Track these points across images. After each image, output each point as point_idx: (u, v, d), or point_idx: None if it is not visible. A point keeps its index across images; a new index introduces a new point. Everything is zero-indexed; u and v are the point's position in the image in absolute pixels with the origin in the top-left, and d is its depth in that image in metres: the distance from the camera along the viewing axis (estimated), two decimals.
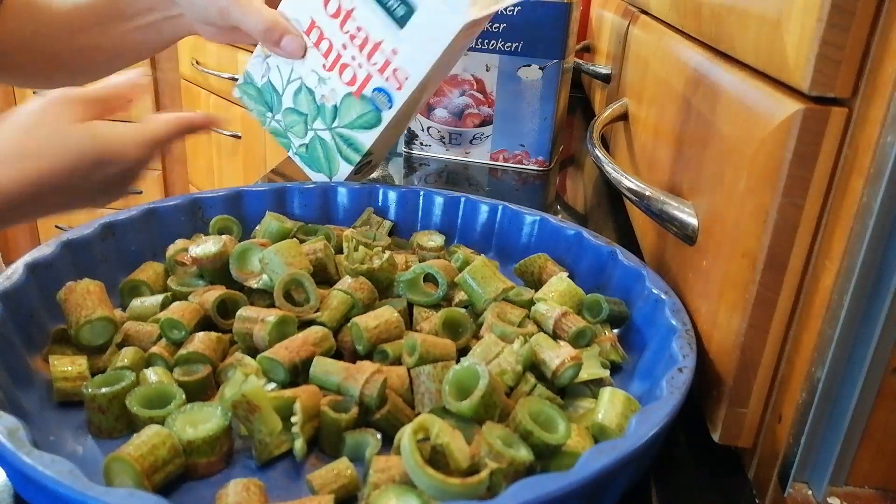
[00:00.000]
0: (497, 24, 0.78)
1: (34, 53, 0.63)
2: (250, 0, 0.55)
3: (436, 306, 0.45)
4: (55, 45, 0.63)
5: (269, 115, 0.60)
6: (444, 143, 0.84)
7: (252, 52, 0.59)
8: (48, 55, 0.64)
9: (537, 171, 0.84)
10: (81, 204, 0.47)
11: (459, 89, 0.82)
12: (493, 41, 0.79)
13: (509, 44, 0.78)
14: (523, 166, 0.84)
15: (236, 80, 0.62)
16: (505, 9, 0.75)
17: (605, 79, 0.88)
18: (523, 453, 0.31)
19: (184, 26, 0.61)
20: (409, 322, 0.45)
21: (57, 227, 2.37)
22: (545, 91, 0.80)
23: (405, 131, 0.85)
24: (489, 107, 0.82)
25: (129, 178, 0.47)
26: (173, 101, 2.19)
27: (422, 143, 0.85)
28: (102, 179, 0.45)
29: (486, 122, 0.82)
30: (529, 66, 0.79)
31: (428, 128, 0.84)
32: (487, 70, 0.80)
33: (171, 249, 0.49)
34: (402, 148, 0.87)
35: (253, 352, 0.40)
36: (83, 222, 0.48)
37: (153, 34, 0.63)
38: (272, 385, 0.38)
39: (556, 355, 0.38)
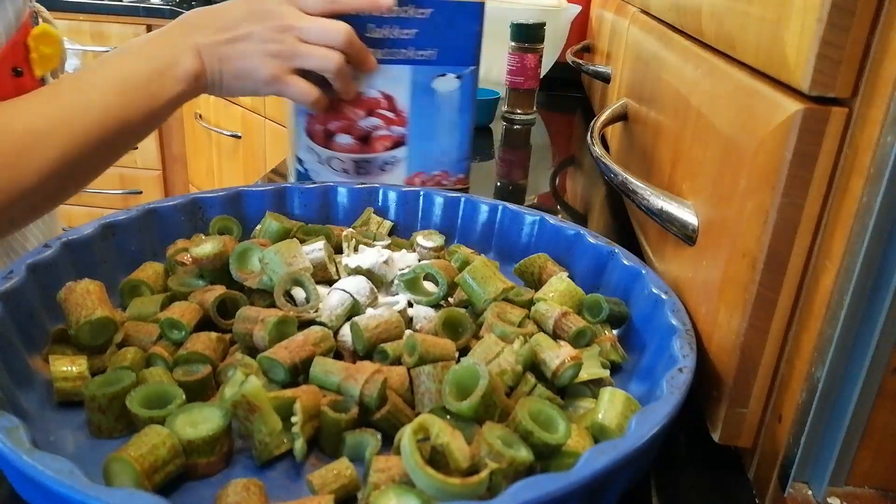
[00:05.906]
0: (408, 31, 0.66)
1: None
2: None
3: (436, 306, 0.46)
4: None
5: None
6: (347, 174, 0.70)
7: None
8: None
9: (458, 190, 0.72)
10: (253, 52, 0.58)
11: (366, 109, 0.68)
12: (403, 49, 0.66)
13: (422, 52, 0.67)
14: (443, 188, 0.72)
15: None
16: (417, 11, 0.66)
17: (605, 79, 0.88)
18: (523, 453, 0.31)
19: None
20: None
21: None
22: (462, 102, 0.70)
23: (295, 162, 0.71)
24: (401, 126, 0.69)
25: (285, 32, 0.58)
26: None
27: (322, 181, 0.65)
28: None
29: (398, 143, 0.69)
30: (445, 75, 0.68)
31: (328, 159, 0.69)
32: (398, 84, 0.67)
33: (171, 249, 0.49)
34: (291, 180, 0.72)
35: (253, 352, 0.40)
36: (83, 223, 0.48)
37: None
38: (272, 385, 0.38)
39: (556, 355, 0.38)
